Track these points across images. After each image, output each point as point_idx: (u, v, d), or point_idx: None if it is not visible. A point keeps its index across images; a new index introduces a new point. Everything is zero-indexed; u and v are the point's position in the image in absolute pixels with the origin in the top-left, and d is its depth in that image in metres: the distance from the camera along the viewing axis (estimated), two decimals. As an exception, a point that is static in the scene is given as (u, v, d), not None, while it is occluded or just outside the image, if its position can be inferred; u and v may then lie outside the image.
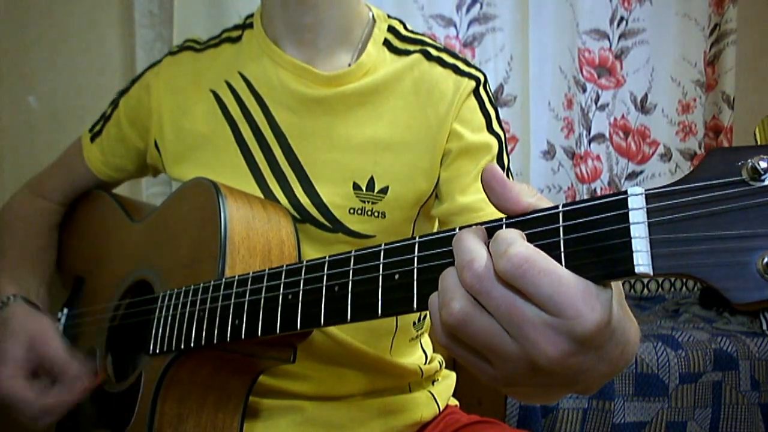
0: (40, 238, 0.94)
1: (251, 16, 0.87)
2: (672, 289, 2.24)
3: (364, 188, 0.77)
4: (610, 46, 2.17)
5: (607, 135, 2.19)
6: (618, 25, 2.16)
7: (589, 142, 2.17)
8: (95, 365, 0.78)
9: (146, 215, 0.83)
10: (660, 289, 2.23)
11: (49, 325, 0.78)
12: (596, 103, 2.17)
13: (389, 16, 0.86)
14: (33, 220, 0.95)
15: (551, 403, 1.54)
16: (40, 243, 0.94)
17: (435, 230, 0.87)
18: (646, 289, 2.23)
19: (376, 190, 0.77)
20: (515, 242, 0.37)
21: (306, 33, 0.80)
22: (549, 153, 2.13)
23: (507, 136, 0.83)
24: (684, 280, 2.22)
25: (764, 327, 1.73)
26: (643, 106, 2.20)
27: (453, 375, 0.97)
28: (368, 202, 0.77)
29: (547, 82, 2.10)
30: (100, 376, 0.75)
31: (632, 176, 2.21)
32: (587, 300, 0.36)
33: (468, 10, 2.00)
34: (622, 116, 2.20)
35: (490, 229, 0.41)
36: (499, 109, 0.83)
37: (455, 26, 2.00)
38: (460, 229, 0.42)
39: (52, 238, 0.97)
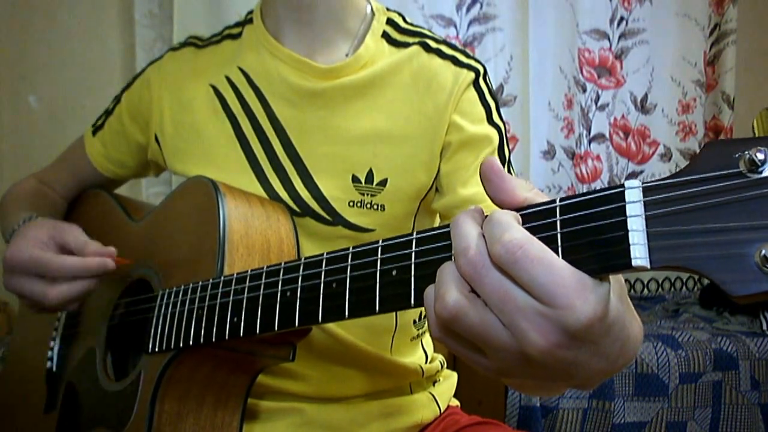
0: (48, 207, 0.95)
1: (251, 12, 0.88)
2: (672, 289, 2.24)
3: (363, 181, 0.77)
4: (610, 46, 2.17)
5: (607, 135, 2.19)
6: (618, 25, 2.17)
7: (589, 142, 2.17)
8: (89, 366, 0.78)
9: (145, 214, 0.83)
10: (660, 289, 2.23)
11: (70, 223, 0.79)
12: (596, 103, 2.17)
13: (388, 9, 0.86)
14: (40, 194, 0.96)
15: (551, 396, 1.54)
16: (49, 210, 0.94)
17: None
18: (646, 289, 2.23)
19: (375, 183, 0.77)
20: (511, 227, 0.37)
21: (304, 21, 0.81)
22: (549, 153, 2.13)
23: (507, 133, 0.82)
24: (684, 279, 2.22)
25: (764, 327, 1.73)
26: (643, 106, 2.20)
27: (454, 375, 0.96)
28: (367, 194, 0.77)
29: (547, 82, 2.10)
30: (126, 260, 0.75)
31: (632, 176, 2.21)
32: (581, 292, 0.35)
33: (468, 10, 2.00)
34: (622, 116, 2.20)
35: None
36: (500, 106, 0.83)
37: (455, 26, 2.00)
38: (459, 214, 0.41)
39: (57, 213, 0.97)
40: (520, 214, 0.40)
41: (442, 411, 0.89)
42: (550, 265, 0.36)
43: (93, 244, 0.74)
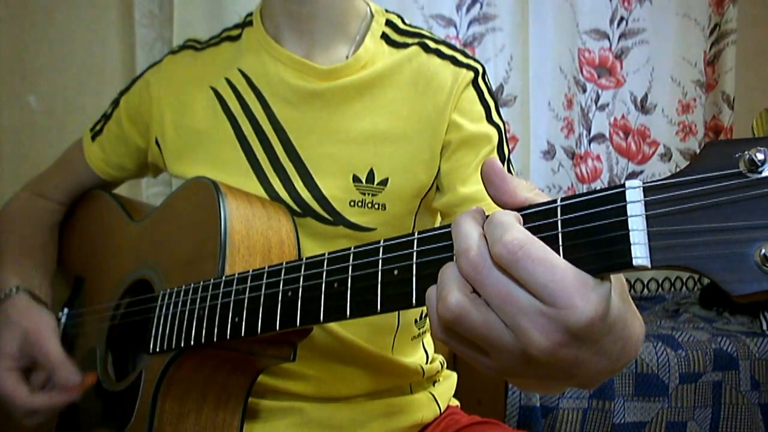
0: (41, 236, 0.95)
1: (251, 14, 0.88)
2: (672, 289, 2.24)
3: (363, 180, 0.77)
4: (610, 46, 2.17)
5: (607, 135, 2.19)
6: (618, 25, 2.17)
7: (589, 142, 2.17)
8: (90, 366, 0.78)
9: (146, 215, 0.83)
10: (660, 289, 2.23)
11: (47, 322, 0.78)
12: (596, 103, 2.17)
13: (387, 11, 0.87)
14: (34, 218, 0.95)
15: (552, 394, 1.54)
16: (41, 240, 0.94)
17: (437, 225, 0.87)
18: (646, 289, 2.23)
19: (375, 182, 0.77)
20: (512, 227, 0.37)
21: (304, 23, 0.81)
22: (549, 153, 2.13)
23: (506, 132, 0.83)
24: (684, 279, 2.22)
25: (764, 327, 1.73)
26: (643, 106, 2.20)
27: (454, 375, 0.97)
28: (368, 194, 0.77)
29: (547, 82, 2.10)
30: (90, 379, 0.75)
31: (632, 176, 2.21)
32: (582, 291, 0.35)
33: (468, 10, 2.00)
34: (622, 116, 2.20)
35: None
36: (499, 106, 0.83)
37: (455, 26, 2.00)
38: (460, 215, 0.42)
39: (53, 235, 0.97)
40: (522, 214, 0.40)
41: (442, 411, 0.89)
42: (552, 264, 0.36)
43: (61, 371, 0.74)
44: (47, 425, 0.81)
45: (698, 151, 1.98)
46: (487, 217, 0.40)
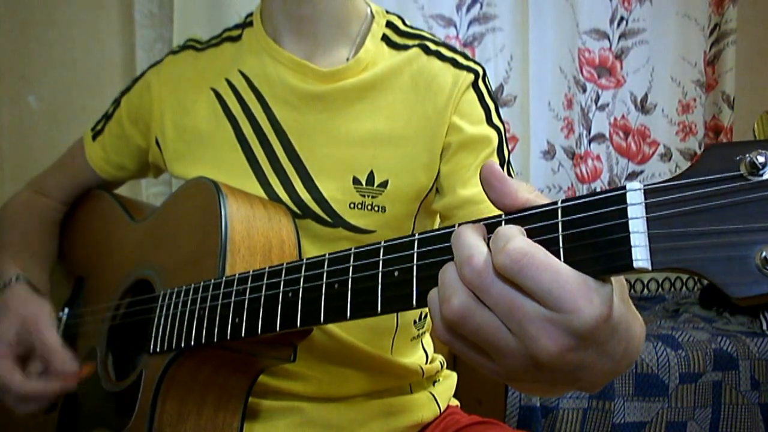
0: (41, 232, 0.95)
1: (251, 14, 0.88)
2: (672, 289, 2.24)
3: (363, 182, 0.77)
4: (610, 46, 2.17)
5: (607, 135, 2.19)
6: (618, 25, 2.17)
7: (589, 142, 2.17)
8: (87, 357, 0.78)
9: (147, 215, 0.83)
10: (660, 289, 2.24)
11: (45, 311, 0.79)
12: (596, 103, 2.17)
13: (388, 12, 0.87)
14: (35, 215, 0.96)
15: (554, 397, 1.54)
16: (41, 236, 0.94)
17: (436, 227, 0.87)
18: (646, 289, 2.23)
19: (375, 184, 0.77)
20: (514, 237, 0.37)
21: (304, 25, 0.81)
22: (549, 153, 2.13)
23: (507, 136, 0.83)
24: (684, 279, 2.22)
25: (764, 327, 1.73)
26: (643, 106, 2.21)
27: (454, 375, 0.97)
28: (368, 196, 0.77)
29: (547, 82, 2.10)
30: (88, 369, 0.75)
31: (632, 176, 2.21)
32: (586, 294, 0.35)
33: (468, 10, 2.00)
34: (622, 116, 2.20)
35: (490, 226, 0.41)
36: (499, 108, 0.83)
37: (455, 26, 2.00)
38: (459, 225, 0.42)
39: (53, 232, 0.97)
40: (522, 215, 0.40)
41: (442, 410, 0.89)
42: (555, 270, 0.36)
43: (57, 358, 0.74)
44: (47, 426, 0.81)
45: (698, 151, 2.00)
46: (487, 228, 0.40)
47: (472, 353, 0.41)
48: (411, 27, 0.86)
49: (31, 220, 0.95)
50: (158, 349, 0.66)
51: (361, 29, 0.83)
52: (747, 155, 0.33)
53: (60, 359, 0.73)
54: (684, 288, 2.24)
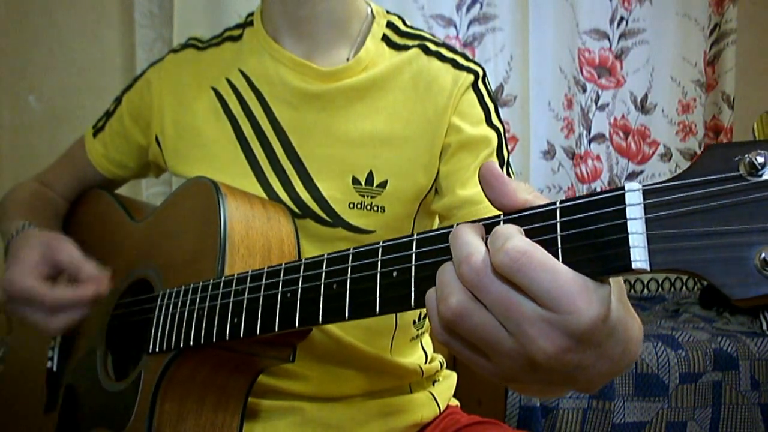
0: (47, 209, 0.95)
1: (252, 14, 0.88)
2: (672, 289, 2.24)
3: (363, 182, 0.77)
4: (610, 46, 2.17)
5: (607, 135, 2.19)
6: (618, 25, 2.17)
7: (589, 142, 2.17)
8: (90, 367, 0.78)
9: (147, 215, 0.83)
10: (660, 289, 2.24)
11: (63, 236, 0.78)
12: (596, 103, 2.17)
13: (388, 12, 0.87)
14: (40, 195, 0.96)
15: (552, 398, 1.54)
16: (47, 213, 0.94)
17: (435, 227, 0.87)
18: (646, 289, 2.23)
19: (375, 184, 0.77)
20: (513, 237, 0.37)
21: (304, 26, 0.81)
22: (549, 153, 2.13)
23: (507, 136, 0.83)
24: (684, 280, 2.22)
25: (764, 327, 1.73)
26: (643, 106, 2.21)
27: (453, 375, 0.97)
28: (367, 196, 0.77)
29: (547, 82, 2.10)
30: (114, 279, 0.74)
31: (632, 176, 2.21)
32: (584, 295, 0.35)
33: (468, 10, 2.00)
34: (622, 116, 2.20)
35: (488, 226, 0.41)
36: (499, 109, 0.83)
37: (455, 26, 2.00)
38: (458, 225, 0.41)
39: (57, 215, 0.97)
40: (521, 215, 0.40)
41: (441, 410, 0.89)
42: (554, 270, 0.36)
43: (86, 266, 0.73)
44: (47, 426, 0.81)
45: (698, 151, 2.00)
46: (485, 228, 0.40)
47: (470, 353, 0.41)
48: (411, 27, 0.86)
49: (39, 198, 0.95)
50: (157, 349, 0.66)
51: (361, 29, 0.83)
52: (746, 156, 0.33)
53: (89, 266, 0.73)
54: (684, 288, 2.24)
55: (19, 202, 0.93)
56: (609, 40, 2.17)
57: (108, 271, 0.73)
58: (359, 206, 0.77)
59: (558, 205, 0.39)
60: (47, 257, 0.74)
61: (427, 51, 0.82)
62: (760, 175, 0.32)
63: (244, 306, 0.58)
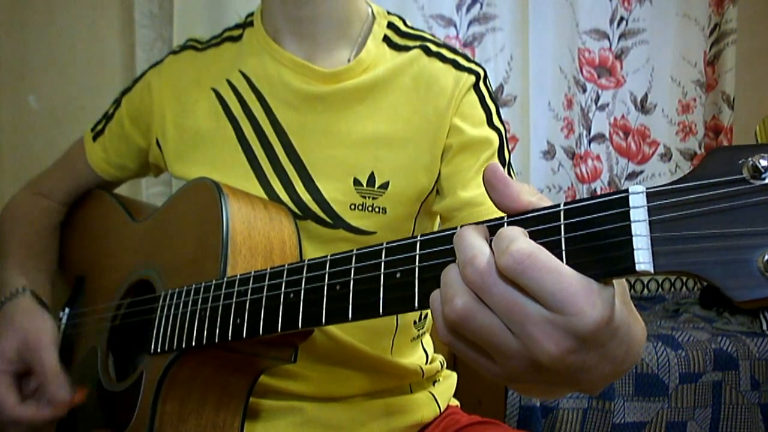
0: (43, 238, 0.95)
1: (252, 14, 0.88)
2: (672, 289, 2.24)
3: (364, 184, 0.77)
4: (610, 46, 2.17)
5: (607, 135, 2.19)
6: (618, 25, 2.17)
7: (589, 142, 2.17)
8: (90, 366, 0.78)
9: (148, 215, 0.83)
10: (660, 289, 2.24)
11: (49, 329, 0.78)
12: (596, 103, 2.17)
13: (389, 13, 0.87)
14: (35, 220, 0.95)
15: (554, 399, 1.54)
16: (44, 242, 0.94)
17: (436, 228, 0.87)
18: (646, 289, 2.23)
19: (376, 186, 0.77)
20: (517, 239, 0.37)
21: (304, 26, 0.81)
22: (549, 153, 2.13)
23: (507, 137, 0.83)
24: (684, 280, 2.23)
25: (764, 327, 1.73)
26: (643, 106, 2.21)
27: (454, 375, 0.97)
28: (369, 197, 0.77)
29: (547, 82, 2.10)
30: (78, 398, 0.75)
31: (632, 176, 2.21)
32: (588, 297, 0.35)
33: (468, 10, 2.00)
34: (622, 116, 2.20)
35: (492, 228, 0.41)
36: (500, 110, 0.83)
37: (455, 26, 2.00)
38: (462, 226, 0.42)
39: (54, 236, 0.97)
40: (525, 217, 0.40)
41: (442, 410, 0.89)
42: (558, 272, 0.36)
43: (53, 385, 0.74)
44: (47, 424, 0.81)
45: (698, 151, 1.99)
46: (489, 229, 0.40)
47: (474, 354, 0.41)
48: (412, 28, 0.86)
49: (33, 225, 0.95)
50: (159, 350, 0.66)
51: (362, 30, 0.83)
52: (750, 159, 0.33)
53: (55, 386, 0.74)
54: (684, 288, 2.25)
55: (18, 239, 0.93)
56: (609, 40, 2.17)
57: (74, 391, 0.75)
58: (360, 207, 0.77)
59: (562, 207, 0.39)
60: (22, 355, 0.76)
61: (428, 52, 0.82)
62: (764, 179, 0.33)
63: (247, 307, 0.58)
